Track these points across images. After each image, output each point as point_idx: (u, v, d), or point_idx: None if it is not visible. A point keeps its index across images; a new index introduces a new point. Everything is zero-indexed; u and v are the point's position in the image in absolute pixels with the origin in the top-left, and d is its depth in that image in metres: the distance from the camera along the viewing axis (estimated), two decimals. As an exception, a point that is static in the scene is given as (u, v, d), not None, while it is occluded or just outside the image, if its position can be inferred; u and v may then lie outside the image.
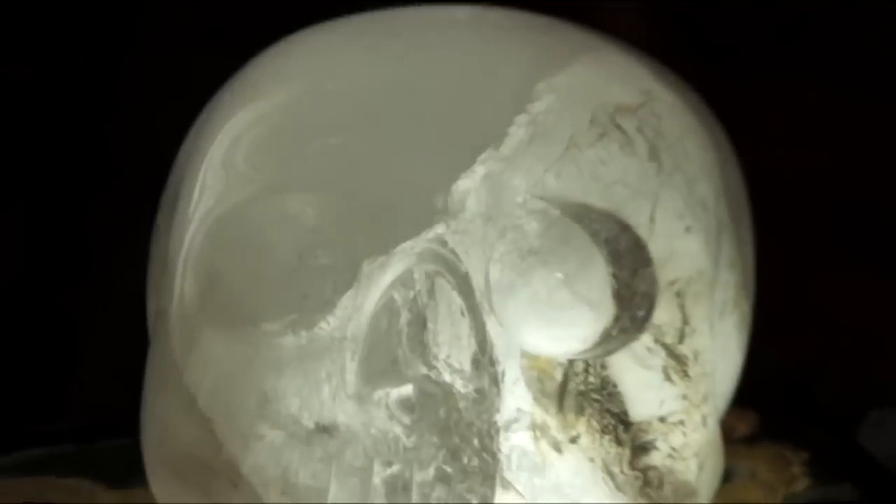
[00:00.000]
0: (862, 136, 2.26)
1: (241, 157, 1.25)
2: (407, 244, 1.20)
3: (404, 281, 1.20)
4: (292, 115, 1.25)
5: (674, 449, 1.24)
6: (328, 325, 1.20)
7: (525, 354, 1.21)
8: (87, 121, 2.30)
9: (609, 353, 1.23)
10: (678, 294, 1.24)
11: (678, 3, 2.20)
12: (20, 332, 2.17)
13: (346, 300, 1.20)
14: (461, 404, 1.20)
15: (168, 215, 1.29)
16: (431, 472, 1.19)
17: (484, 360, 1.20)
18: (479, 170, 1.20)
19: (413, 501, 1.19)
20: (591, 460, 1.22)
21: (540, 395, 1.21)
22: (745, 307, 1.30)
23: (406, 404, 1.19)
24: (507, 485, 1.19)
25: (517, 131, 1.21)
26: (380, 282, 1.20)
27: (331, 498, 1.19)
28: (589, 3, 2.06)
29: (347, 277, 1.20)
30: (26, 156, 2.32)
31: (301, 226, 1.22)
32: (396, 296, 1.20)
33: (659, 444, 1.24)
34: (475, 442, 1.20)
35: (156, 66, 2.16)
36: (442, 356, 1.19)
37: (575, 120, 1.23)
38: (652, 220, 1.23)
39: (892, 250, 2.13)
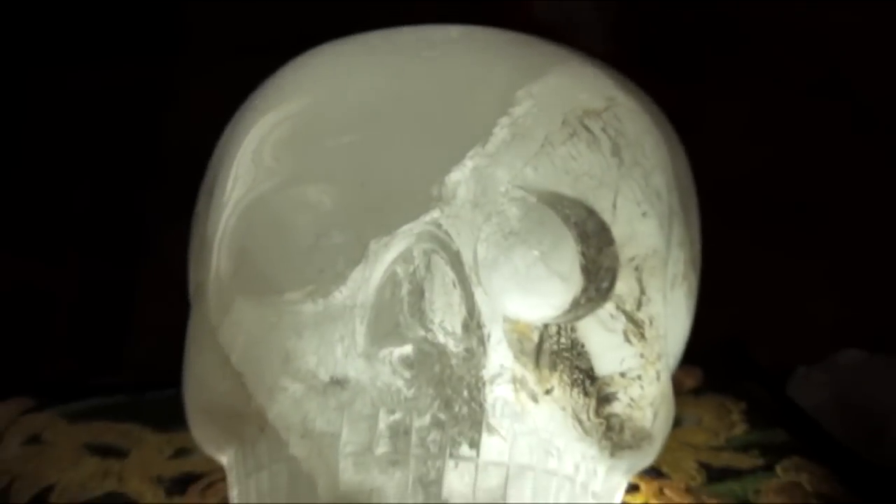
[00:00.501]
0: (788, 137, 2.25)
1: (267, 152, 1.26)
2: (407, 226, 1.21)
3: (405, 257, 1.21)
4: (311, 118, 1.26)
5: (632, 400, 1.25)
6: (341, 295, 1.22)
7: (507, 319, 1.22)
8: (143, 120, 2.30)
9: (578, 318, 1.24)
10: (636, 269, 1.25)
11: (636, 28, 2.22)
12: (85, 303, 2.17)
13: (356, 273, 1.21)
14: (453, 361, 1.21)
15: (206, 202, 1.30)
16: (428, 418, 1.20)
17: (472, 324, 1.21)
18: (469, 164, 1.21)
19: (413, 444, 1.19)
20: (563, 409, 1.22)
21: (519, 353, 1.22)
22: (693, 280, 1.31)
23: (406, 361, 1.20)
24: (491, 429, 1.19)
25: (500, 131, 1.22)
26: (384, 258, 1.21)
27: (343, 440, 1.19)
28: (564, 26, 2.08)
29: (357, 254, 1.21)
30: (94, 148, 2.32)
31: (318, 211, 1.23)
32: (398, 270, 1.21)
33: (620, 395, 1.24)
34: (465, 393, 1.20)
35: (199, 74, 2.16)
36: (437, 321, 1.20)
37: (549, 122, 1.24)
38: (614, 206, 1.24)
39: (814, 235, 2.13)
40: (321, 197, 1.24)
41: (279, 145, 1.26)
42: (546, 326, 1.24)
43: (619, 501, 1.29)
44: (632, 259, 1.25)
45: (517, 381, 1.22)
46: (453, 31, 1.33)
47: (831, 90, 2.38)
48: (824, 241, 2.12)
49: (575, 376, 1.23)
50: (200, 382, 1.28)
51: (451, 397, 1.21)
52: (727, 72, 2.26)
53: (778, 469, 1.38)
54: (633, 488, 1.32)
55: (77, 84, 2.41)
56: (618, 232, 1.24)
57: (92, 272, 2.17)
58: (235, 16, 2.41)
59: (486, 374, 1.21)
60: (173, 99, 2.28)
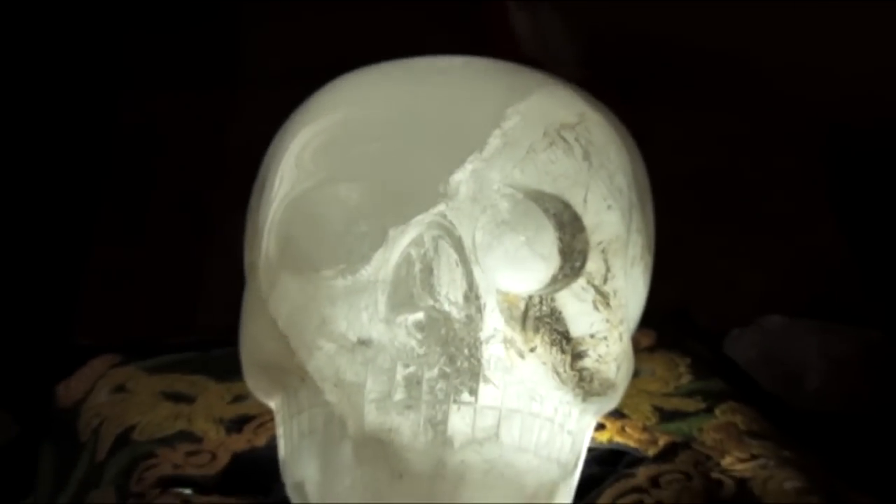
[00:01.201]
0: (721, 145, 2.25)
1: (307, 158, 1.25)
2: (419, 217, 1.21)
3: (417, 242, 1.21)
4: (341, 130, 1.26)
5: (600, 356, 1.24)
6: (366, 272, 1.21)
7: (499, 291, 1.22)
8: (211, 133, 2.30)
9: (556, 290, 1.24)
10: (603, 251, 1.24)
11: (601, 59, 2.21)
12: (163, 279, 2.16)
13: (378, 255, 1.21)
14: (456, 325, 1.21)
15: (258, 197, 1.30)
16: (436, 371, 1.20)
17: (471, 295, 1.21)
18: (468, 167, 1.21)
19: (423, 392, 1.19)
20: (544, 363, 1.22)
21: (509, 318, 1.22)
22: (648, 260, 1.31)
23: (418, 325, 1.20)
24: (486, 380, 1.19)
25: (494, 141, 1.22)
26: (401, 243, 1.21)
27: (367, 389, 1.19)
28: (545, 58, 2.07)
29: (378, 240, 1.21)
30: (171, 156, 2.31)
31: (347, 205, 1.23)
32: (412, 252, 1.21)
33: (590, 352, 1.24)
34: (465, 351, 1.20)
35: (254, 96, 2.17)
36: (443, 293, 1.20)
37: (533, 133, 1.23)
38: (585, 200, 1.23)
39: (744, 224, 2.12)
40: (350, 194, 1.23)
41: (316, 152, 1.26)
42: (530, 297, 1.23)
43: (589, 437, 1.27)
44: (599, 243, 1.25)
45: (507, 341, 1.22)
46: (456, 61, 1.32)
47: (753, 111, 2.37)
48: (752, 229, 2.11)
49: (554, 337, 1.23)
50: (253, 342, 1.28)
51: (454, 354, 1.21)
52: (672, 96, 2.26)
53: (716, 411, 1.37)
54: (600, 427, 1.32)
55: (162, 105, 2.41)
56: (588, 221, 1.24)
57: (170, 255, 2.17)
58: (283, 48, 2.40)
59: (483, 335, 1.21)
60: (235, 116, 2.28)
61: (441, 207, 1.21)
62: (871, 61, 2.52)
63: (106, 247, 2.19)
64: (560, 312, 1.23)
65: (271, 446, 1.28)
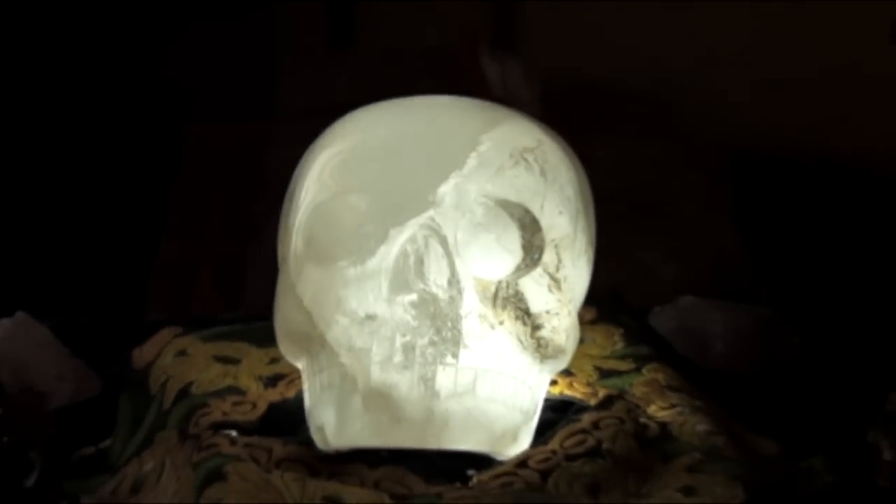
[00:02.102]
0: (647, 167, 2.23)
1: (327, 174, 1.25)
2: (413, 220, 1.20)
3: (412, 240, 1.20)
4: (352, 153, 1.25)
5: (553, 328, 1.23)
6: (372, 263, 1.20)
7: (475, 278, 1.21)
8: (253, 156, 2.28)
9: (519, 277, 1.23)
10: (556, 246, 1.23)
11: (552, 100, 2.20)
12: (218, 270, 2.14)
13: (381, 249, 1.20)
14: (441, 304, 1.20)
15: (288, 205, 1.29)
16: (426, 339, 1.19)
17: (453, 280, 1.20)
18: (451, 182, 1.20)
19: (417, 356, 1.19)
20: (510, 333, 1.21)
21: (483, 298, 1.21)
22: (591, 253, 1.29)
23: (413, 304, 1.19)
24: (465, 346, 1.19)
25: (471, 161, 1.21)
26: (399, 240, 1.20)
27: (373, 353, 1.19)
28: (509, 97, 2.05)
29: (382, 238, 1.20)
30: (225, 175, 2.29)
31: (357, 211, 1.22)
32: (408, 247, 1.20)
33: (545, 325, 1.23)
34: (448, 324, 1.19)
35: (289, 125, 2.16)
36: (432, 279, 1.19)
37: (501, 155, 1.22)
38: (542, 207, 1.23)
39: (664, 226, 2.10)
40: (359, 202, 1.22)
41: (333, 170, 1.25)
42: (499, 282, 1.22)
43: (545, 391, 1.26)
44: (553, 240, 1.24)
45: (481, 316, 1.21)
46: (442, 99, 1.31)
47: (669, 139, 2.36)
48: (669, 231, 2.10)
49: (517, 313, 1.22)
50: (284, 317, 1.27)
51: (440, 326, 1.20)
52: (607, 127, 2.24)
53: (643, 370, 1.36)
54: (553, 383, 1.30)
55: (217, 136, 2.39)
56: (544, 223, 1.23)
57: (221, 250, 2.15)
58: (307, 92, 2.38)
59: (462, 311, 1.20)
60: (272, 143, 2.25)
61: (430, 213, 1.20)
62: (760, 104, 2.51)
63: (173, 244, 2.17)
64: (522, 294, 1.22)
65: (299, 398, 1.26)
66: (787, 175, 2.44)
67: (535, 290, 1.23)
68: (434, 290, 1.20)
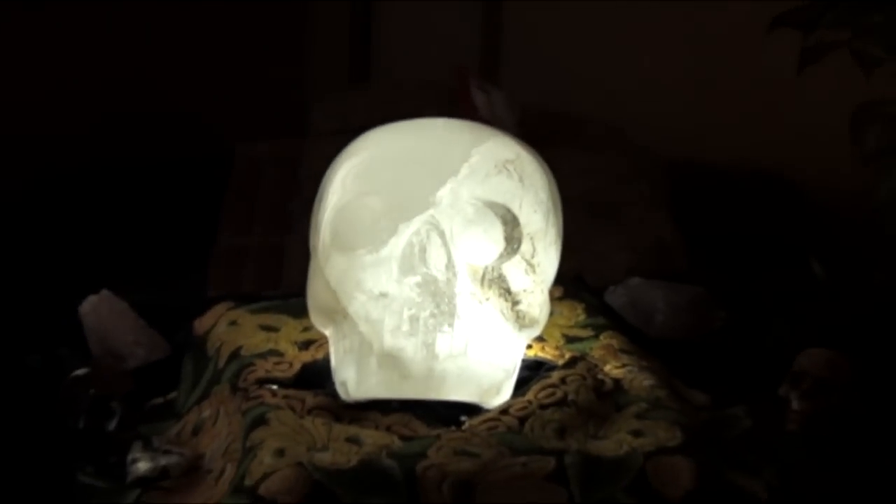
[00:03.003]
0: (602, 175, 2.21)
1: (349, 179, 1.23)
2: (418, 217, 1.19)
3: (417, 232, 1.19)
4: (369, 163, 1.23)
5: (529, 303, 1.23)
6: (385, 251, 1.20)
7: (468, 263, 1.20)
8: (289, 169, 2.26)
9: (502, 262, 1.22)
10: (531, 238, 1.22)
11: (525, 124, 2.18)
12: (261, 258, 2.12)
13: (392, 240, 1.19)
14: (440, 284, 1.19)
15: (318, 205, 1.26)
16: (428, 312, 1.19)
17: (450, 265, 1.19)
18: (448, 186, 1.19)
19: (420, 325, 1.19)
20: (495, 308, 1.21)
21: (473, 280, 1.20)
22: (559, 243, 1.27)
23: (418, 284, 1.19)
24: (459, 317, 1.19)
25: (464, 170, 1.19)
26: (406, 233, 1.19)
27: (385, 324, 1.19)
28: (494, 120, 2.03)
29: (392, 231, 1.19)
30: (268, 181, 2.28)
31: (373, 210, 1.20)
32: (414, 239, 1.19)
33: (523, 301, 1.23)
34: (446, 300, 1.19)
35: (320, 144, 2.13)
36: (432, 264, 1.19)
37: (488, 165, 1.21)
38: (520, 207, 1.21)
39: (617, 225, 2.08)
40: (375, 203, 1.21)
41: (354, 177, 1.23)
42: (486, 267, 1.21)
43: (522, 353, 1.25)
44: (529, 234, 1.22)
45: (472, 294, 1.20)
46: (440, 121, 1.29)
47: (621, 153, 2.34)
48: (621, 227, 2.08)
49: (501, 291, 1.21)
50: (314, 294, 1.25)
51: (439, 302, 1.19)
52: (571, 144, 2.22)
53: (601, 337, 1.35)
54: (529, 347, 1.28)
55: (262, 150, 2.38)
56: (522, 220, 1.21)
57: (265, 241, 2.13)
58: (333, 116, 2.37)
59: (456, 290, 1.20)
60: (305, 156, 2.23)
61: (431, 211, 1.19)
62: (690, 124, 2.50)
63: (226, 237, 2.16)
64: (505, 276, 1.21)
65: (326, 359, 1.25)
66: (713, 180, 2.44)
67: (515, 273, 1.22)
68: (434, 273, 1.19)
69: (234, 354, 1.31)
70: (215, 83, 2.73)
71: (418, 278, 1.19)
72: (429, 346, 1.20)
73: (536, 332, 1.26)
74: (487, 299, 1.21)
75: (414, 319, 1.19)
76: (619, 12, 2.59)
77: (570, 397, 1.21)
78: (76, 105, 2.54)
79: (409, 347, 1.20)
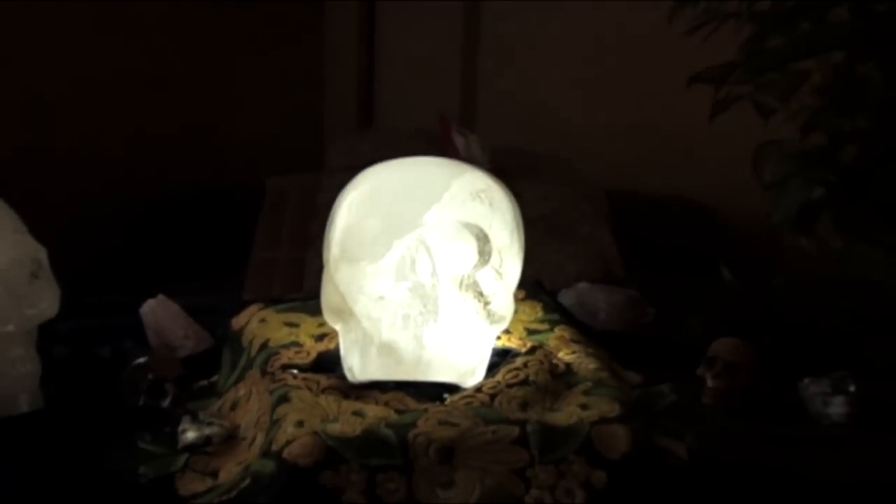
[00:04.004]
0: (555, 202, 2.20)
1: (354, 206, 1.22)
2: (409, 235, 1.18)
3: (408, 247, 1.18)
4: (369, 191, 1.22)
5: (498, 303, 1.22)
6: (383, 263, 1.19)
7: (449, 271, 1.20)
8: (310, 197, 2.25)
9: (477, 271, 1.21)
10: (499, 251, 1.21)
11: (494, 162, 2.16)
12: (285, 266, 2.11)
13: (388, 254, 1.19)
14: (427, 289, 1.19)
15: (329, 226, 1.24)
16: (417, 311, 1.19)
17: (434, 274, 1.19)
18: (433, 210, 1.18)
19: (411, 321, 1.19)
20: (471, 307, 1.21)
21: (453, 284, 1.20)
22: (521, 255, 1.25)
23: (409, 289, 1.19)
24: (443, 315, 1.18)
25: (446, 197, 1.19)
26: (400, 247, 1.18)
27: (384, 320, 1.20)
28: (470, 159, 2.02)
29: (388, 246, 1.18)
30: (293, 208, 2.27)
31: (373, 229, 1.20)
32: (405, 253, 1.19)
33: (493, 301, 1.22)
34: (431, 301, 1.19)
35: (333, 176, 2.10)
36: (420, 272, 1.18)
37: (465, 193, 1.20)
38: (490, 227, 1.21)
39: (566, 237, 2.07)
40: (374, 224, 1.20)
41: (358, 202, 1.22)
42: (464, 275, 1.20)
43: (493, 343, 1.25)
44: (497, 248, 1.21)
45: (453, 296, 1.20)
46: (427, 158, 1.30)
47: (568, 183, 2.33)
48: (570, 242, 2.06)
49: (476, 294, 1.21)
50: (327, 297, 1.24)
51: (426, 303, 1.19)
52: (529, 177, 2.19)
53: (555, 330, 1.35)
54: (497, 338, 1.27)
55: (285, 183, 2.36)
56: (492, 237, 1.20)
57: (290, 256, 2.12)
58: (343, 157, 2.36)
59: (440, 293, 1.19)
60: (321, 188, 2.20)
61: (419, 230, 1.18)
62: (627, 160, 2.50)
63: (259, 252, 2.15)
64: (478, 282, 1.21)
65: (337, 349, 1.24)
66: (644, 204, 2.43)
67: (487, 279, 1.21)
68: (422, 280, 1.18)
69: (264, 345, 1.30)
70: (251, 131, 2.73)
71: (409, 284, 1.19)
72: (418, 338, 1.19)
73: (504, 326, 1.25)
74: (465, 300, 1.20)
75: (406, 317, 1.19)
76: (569, 74, 2.60)
77: (531, 378, 1.21)
78: (150, 152, 2.54)
79: (403, 339, 1.19)
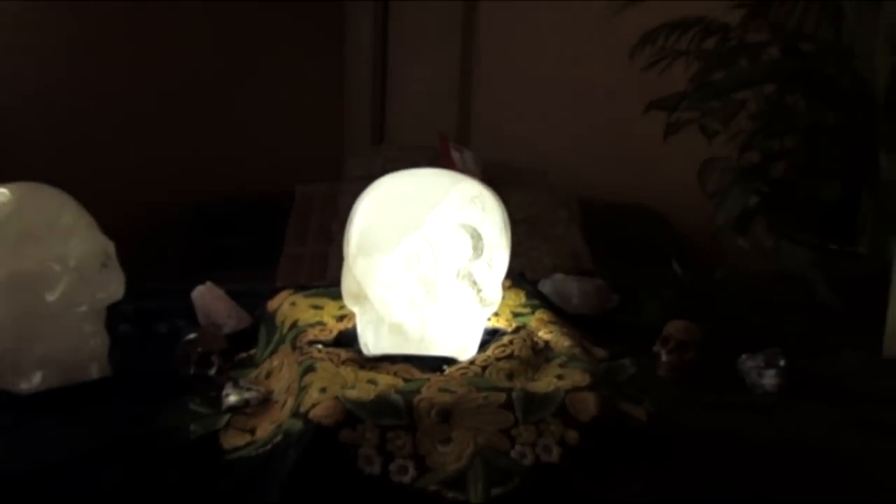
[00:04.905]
0: (534, 208, 2.18)
1: (369, 209, 1.20)
2: (415, 233, 1.16)
3: (415, 244, 1.16)
4: (382, 197, 1.20)
5: (489, 291, 1.20)
6: (393, 256, 1.16)
7: (448, 264, 1.17)
8: (331, 204, 2.23)
9: (471, 264, 1.18)
10: (490, 248, 1.19)
11: (486, 172, 2.14)
12: (313, 260, 2.09)
13: (398, 249, 1.16)
14: (430, 277, 1.17)
15: (349, 226, 1.22)
16: (421, 297, 1.17)
17: (436, 265, 1.17)
18: (435, 213, 1.16)
19: (417, 304, 1.17)
20: (466, 294, 1.18)
21: (453, 275, 1.18)
22: (508, 251, 1.22)
23: (415, 277, 1.17)
24: (442, 300, 1.17)
25: (445, 202, 1.16)
26: (407, 243, 1.16)
27: (393, 304, 1.17)
28: (465, 170, 1.99)
29: (397, 243, 1.16)
30: (318, 212, 2.25)
31: (385, 229, 1.17)
32: (412, 249, 1.16)
33: (485, 289, 1.19)
34: (433, 288, 1.17)
35: (350, 187, 2.08)
36: (424, 265, 1.16)
37: (462, 198, 1.17)
38: (483, 227, 1.18)
39: (543, 238, 2.05)
40: (386, 224, 1.18)
41: (372, 206, 1.20)
42: (461, 267, 1.18)
43: (484, 323, 1.24)
44: (489, 245, 1.18)
45: (451, 285, 1.17)
46: (430, 170, 1.27)
47: (543, 191, 2.31)
48: (546, 240, 2.05)
49: (470, 283, 1.18)
50: (346, 284, 1.22)
51: (429, 290, 1.17)
52: (513, 185, 2.17)
53: (536, 313, 1.33)
54: (488, 320, 1.26)
55: (312, 190, 2.35)
56: (484, 236, 1.18)
57: (316, 252, 2.10)
58: (362, 165, 2.34)
59: (441, 282, 1.17)
60: (340, 196, 2.18)
61: (424, 230, 1.16)
62: (596, 172, 2.49)
63: (289, 247, 2.14)
64: (472, 273, 1.18)
65: (354, 328, 1.23)
66: (610, 210, 2.43)
67: (480, 270, 1.19)
68: (426, 271, 1.16)
69: (293, 325, 1.28)
70: (285, 146, 2.73)
71: (415, 274, 1.17)
72: (422, 320, 1.18)
73: (493, 310, 1.24)
74: (461, 288, 1.18)
75: (412, 302, 1.17)
76: (547, 102, 2.60)
77: (516, 353, 1.20)
78: (202, 164, 2.55)
79: (409, 320, 1.18)
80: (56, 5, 2.23)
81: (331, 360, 1.16)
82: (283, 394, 1.16)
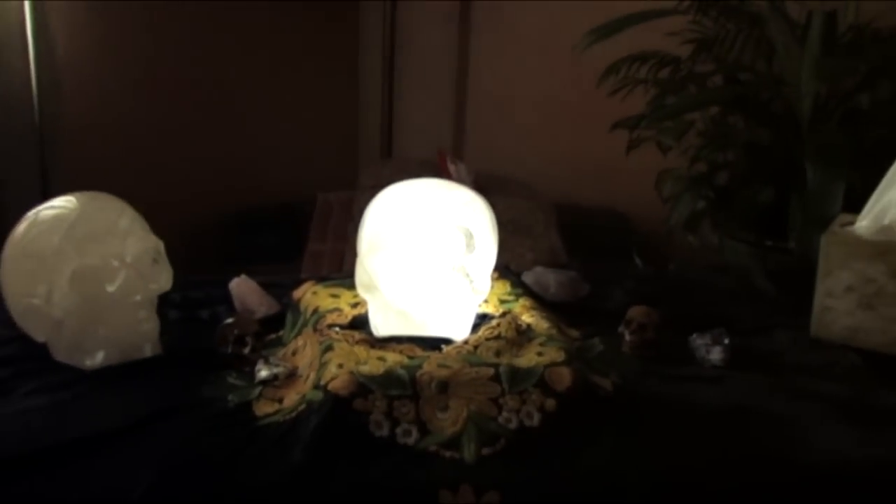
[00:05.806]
0: (521, 211, 2.16)
1: (378, 214, 1.19)
2: (417, 233, 1.14)
3: (417, 242, 1.15)
4: (389, 203, 1.19)
5: (480, 281, 1.19)
6: (399, 253, 1.15)
7: (446, 258, 1.16)
8: (346, 209, 2.20)
9: (466, 257, 1.17)
10: (480, 245, 1.18)
11: (478, 182, 2.13)
12: (331, 257, 2.07)
13: (402, 246, 1.14)
14: (429, 270, 1.15)
15: (361, 227, 1.20)
16: (423, 286, 1.16)
17: (436, 260, 1.15)
18: (435, 216, 1.15)
19: (418, 298, 1.16)
20: (461, 284, 1.17)
21: (449, 268, 1.16)
22: (496, 247, 1.22)
23: (418, 270, 1.15)
24: (441, 289, 1.16)
25: (443, 206, 1.16)
26: (410, 242, 1.15)
27: (398, 295, 1.16)
28: (461, 182, 1.97)
29: (402, 241, 1.14)
30: (338, 215, 2.22)
31: (389, 230, 1.16)
32: (414, 247, 1.15)
33: (476, 279, 1.19)
34: (433, 280, 1.16)
35: (363, 194, 2.06)
36: (425, 260, 1.14)
37: (457, 204, 1.17)
38: (475, 227, 1.17)
39: (525, 237, 2.04)
40: (392, 226, 1.16)
41: (381, 211, 1.19)
42: (457, 261, 1.16)
43: (477, 309, 1.23)
44: (479, 242, 1.17)
45: (449, 276, 1.16)
46: (431, 180, 1.24)
47: (530, 198, 2.29)
48: (529, 238, 2.03)
49: (464, 274, 1.17)
50: (359, 276, 1.21)
51: (429, 280, 1.15)
52: (501, 193, 2.16)
53: (520, 300, 1.32)
54: (479, 306, 1.25)
55: (333, 199, 2.33)
56: (476, 234, 1.17)
57: (334, 251, 2.09)
58: (372, 176, 2.33)
59: (440, 273, 1.16)
60: (356, 200, 2.18)
61: (425, 230, 1.14)
62: (569, 180, 2.47)
63: (312, 246, 2.12)
64: (466, 266, 1.17)
65: (366, 313, 1.22)
66: (581, 212, 2.42)
67: (472, 263, 1.18)
68: (426, 265, 1.15)
69: (315, 310, 1.27)
70: (308, 159, 2.73)
71: (418, 267, 1.15)
72: (423, 306, 1.17)
73: (483, 297, 1.23)
74: (456, 279, 1.17)
75: (415, 291, 1.16)
76: (530, 121, 2.60)
77: (503, 334, 1.18)
78: (234, 171, 2.54)
79: (412, 307, 1.17)
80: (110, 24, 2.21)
81: (346, 341, 1.15)
82: (306, 369, 1.15)
